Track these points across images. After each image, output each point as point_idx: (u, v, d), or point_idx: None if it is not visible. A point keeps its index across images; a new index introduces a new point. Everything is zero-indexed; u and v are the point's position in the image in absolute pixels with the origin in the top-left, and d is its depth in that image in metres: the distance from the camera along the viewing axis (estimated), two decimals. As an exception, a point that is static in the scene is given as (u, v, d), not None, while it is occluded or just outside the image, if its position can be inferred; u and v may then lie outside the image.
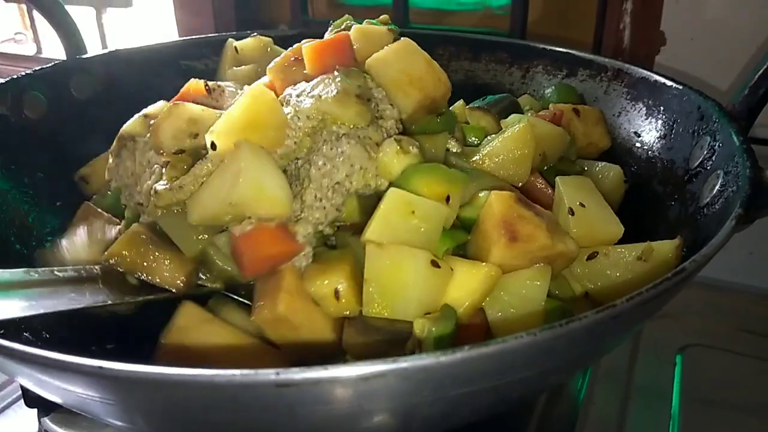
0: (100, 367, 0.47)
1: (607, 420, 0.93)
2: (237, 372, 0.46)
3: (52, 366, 0.49)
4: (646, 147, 1.01)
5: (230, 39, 1.15)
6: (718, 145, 0.84)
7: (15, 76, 1.01)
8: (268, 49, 1.14)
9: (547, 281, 0.71)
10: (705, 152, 0.87)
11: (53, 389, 0.56)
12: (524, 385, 0.61)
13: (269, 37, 1.17)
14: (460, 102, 1.05)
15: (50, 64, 1.09)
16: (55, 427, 0.84)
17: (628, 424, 0.92)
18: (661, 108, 1.00)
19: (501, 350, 0.47)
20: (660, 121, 1.00)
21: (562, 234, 0.76)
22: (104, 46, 1.95)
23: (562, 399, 0.95)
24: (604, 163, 0.98)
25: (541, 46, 1.20)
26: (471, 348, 0.46)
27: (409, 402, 0.53)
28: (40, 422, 0.86)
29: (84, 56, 1.15)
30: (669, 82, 0.99)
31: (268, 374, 0.46)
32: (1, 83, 0.99)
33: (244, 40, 1.14)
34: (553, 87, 1.12)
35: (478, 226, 0.76)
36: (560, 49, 1.18)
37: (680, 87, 0.97)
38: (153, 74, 1.19)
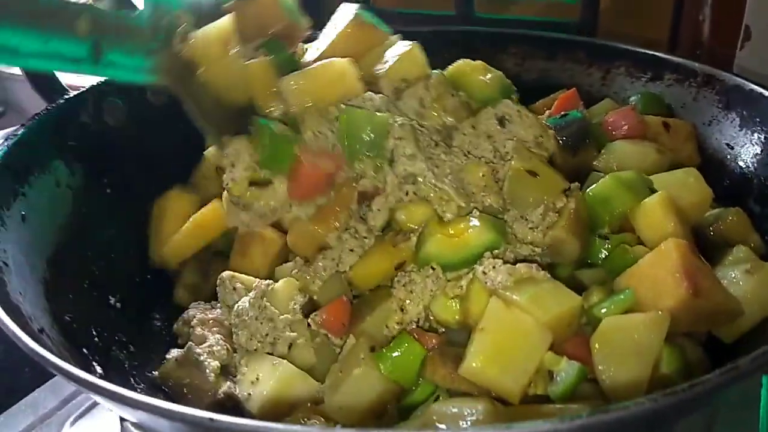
0: (211, 420, 0.47)
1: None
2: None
3: (158, 413, 0.49)
4: (740, 161, 0.96)
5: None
6: (826, 165, 0.80)
7: (94, 84, 1.01)
8: None
9: (665, 331, 0.65)
10: (810, 172, 0.82)
11: (157, 427, 0.57)
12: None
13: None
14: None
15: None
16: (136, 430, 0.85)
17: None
18: (758, 119, 0.94)
19: (620, 417, 0.45)
20: (756, 134, 0.94)
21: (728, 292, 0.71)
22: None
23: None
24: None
25: (623, 46, 1.15)
26: (589, 415, 0.45)
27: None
28: (122, 425, 0.87)
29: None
30: (766, 92, 0.93)
31: None
32: (82, 91, 0.99)
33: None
34: (638, 95, 1.07)
35: (642, 270, 0.71)
36: (644, 51, 1.12)
37: (779, 98, 0.92)
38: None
